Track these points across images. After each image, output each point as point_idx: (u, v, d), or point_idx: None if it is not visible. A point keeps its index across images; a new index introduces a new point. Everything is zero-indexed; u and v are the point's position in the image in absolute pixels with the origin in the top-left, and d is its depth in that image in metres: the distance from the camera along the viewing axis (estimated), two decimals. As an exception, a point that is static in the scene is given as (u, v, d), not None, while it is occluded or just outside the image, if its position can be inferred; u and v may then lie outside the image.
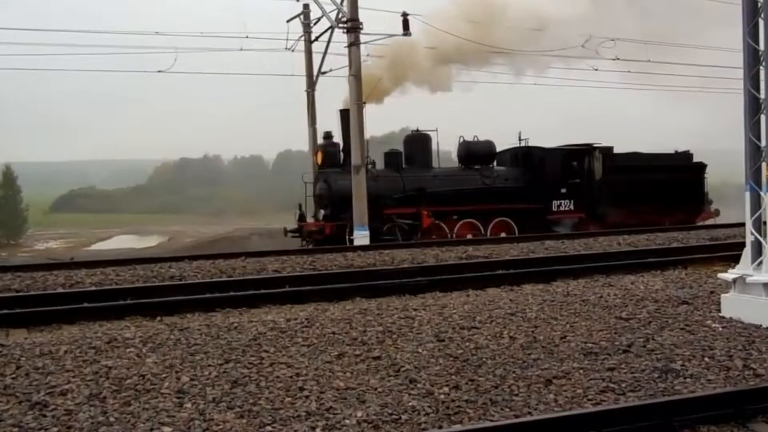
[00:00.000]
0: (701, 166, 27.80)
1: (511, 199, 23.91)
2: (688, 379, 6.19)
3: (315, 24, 25.48)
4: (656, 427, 5.11)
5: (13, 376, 6.39)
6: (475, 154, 24.57)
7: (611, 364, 6.61)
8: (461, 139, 25.00)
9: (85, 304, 9.57)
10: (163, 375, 6.35)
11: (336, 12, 21.58)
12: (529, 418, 5.28)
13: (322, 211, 22.93)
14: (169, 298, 10.00)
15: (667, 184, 26.03)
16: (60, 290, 10.97)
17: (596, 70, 27.93)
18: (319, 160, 23.05)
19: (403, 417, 5.30)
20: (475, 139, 24.82)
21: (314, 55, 26.23)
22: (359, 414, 5.34)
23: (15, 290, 11.05)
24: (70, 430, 5.07)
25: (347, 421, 5.21)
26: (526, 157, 25.49)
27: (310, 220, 23.33)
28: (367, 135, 21.74)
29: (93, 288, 10.95)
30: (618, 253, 14.44)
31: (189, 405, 5.59)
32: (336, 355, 6.95)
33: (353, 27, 20.95)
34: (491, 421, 5.25)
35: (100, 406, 5.56)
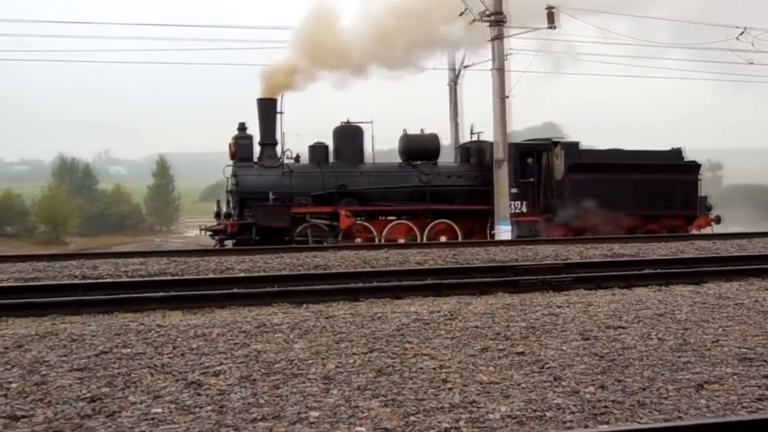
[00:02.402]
0: (694, 166, 24.10)
1: (453, 200, 21.83)
2: None
3: (459, 16, 25.44)
4: (818, 439, 4.85)
5: (170, 355, 6.72)
6: (415, 149, 22.21)
7: (768, 371, 6.31)
8: (404, 132, 22.94)
9: (236, 290, 9.93)
10: (310, 361, 6.53)
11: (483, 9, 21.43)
12: (679, 422, 5.11)
13: (224, 208, 21.57)
14: (315, 287, 10.24)
15: (651, 186, 22.82)
16: (212, 275, 11.45)
17: (752, 63, 26.53)
18: (231, 154, 21.43)
19: (548, 414, 5.24)
20: (423, 132, 22.75)
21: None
22: (503, 408, 5.32)
23: (171, 274, 11.63)
24: (223, 409, 5.29)
25: (491, 416, 5.19)
26: (477, 153, 23.25)
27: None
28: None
29: (242, 274, 11.36)
30: (775, 255, 13.73)
31: (335, 391, 5.72)
32: (479, 349, 6.94)
33: (497, 20, 20.82)
34: (639, 423, 5.12)
35: (251, 388, 5.78)
